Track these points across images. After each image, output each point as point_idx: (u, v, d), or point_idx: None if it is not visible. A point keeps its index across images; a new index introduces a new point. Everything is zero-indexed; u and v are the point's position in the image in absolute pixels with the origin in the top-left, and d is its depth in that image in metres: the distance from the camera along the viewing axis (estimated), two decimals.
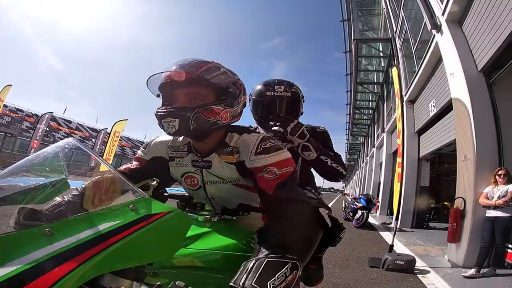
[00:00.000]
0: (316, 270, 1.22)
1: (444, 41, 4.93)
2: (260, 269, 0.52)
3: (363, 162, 23.32)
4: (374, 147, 16.07)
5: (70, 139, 0.72)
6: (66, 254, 0.45)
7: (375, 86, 14.54)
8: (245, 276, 0.51)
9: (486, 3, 3.89)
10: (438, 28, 5.12)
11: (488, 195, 3.36)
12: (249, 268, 0.53)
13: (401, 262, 3.44)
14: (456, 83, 4.41)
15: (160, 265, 0.62)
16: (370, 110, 17.01)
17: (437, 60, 5.76)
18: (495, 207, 3.23)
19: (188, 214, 0.87)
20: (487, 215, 3.31)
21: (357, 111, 17.98)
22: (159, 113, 0.79)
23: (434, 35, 5.35)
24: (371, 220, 8.72)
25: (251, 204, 0.86)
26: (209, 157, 0.87)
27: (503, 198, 3.16)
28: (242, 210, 0.84)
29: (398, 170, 4.11)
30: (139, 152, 1.01)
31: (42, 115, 19.74)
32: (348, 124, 24.46)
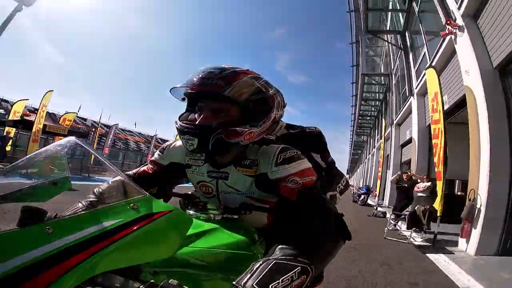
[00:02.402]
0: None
1: (414, 104, 9.22)
2: (265, 271, 0.52)
3: (365, 158, 27.69)
4: (374, 148, 20.42)
5: (71, 138, 0.73)
6: (66, 253, 0.46)
7: (375, 103, 18.63)
8: (248, 276, 0.51)
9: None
10: (414, 94, 9.30)
11: (419, 186, 7.79)
12: (255, 269, 0.53)
13: (380, 213, 7.97)
14: (413, 131, 8.73)
15: (160, 263, 0.61)
16: (372, 117, 21.20)
17: (410, 112, 10.01)
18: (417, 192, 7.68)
19: (190, 212, 0.87)
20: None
21: (360, 118, 22.18)
22: (179, 127, 0.79)
23: (411, 100, 9.58)
24: (370, 202, 13.22)
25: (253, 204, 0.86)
26: (226, 169, 0.87)
27: (421, 187, 7.61)
28: (244, 209, 0.84)
29: (379, 174, 8.59)
30: (155, 155, 1.01)
31: (111, 126, 21.35)
32: (352, 122, 28.41)
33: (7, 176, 0.64)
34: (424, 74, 6.43)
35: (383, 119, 13.84)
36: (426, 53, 7.59)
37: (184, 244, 0.66)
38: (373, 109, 19.88)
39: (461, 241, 4.33)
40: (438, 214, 4.61)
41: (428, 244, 4.58)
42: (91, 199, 0.74)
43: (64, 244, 0.47)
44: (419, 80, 8.56)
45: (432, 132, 5.38)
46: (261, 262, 0.54)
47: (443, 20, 5.32)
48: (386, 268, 3.35)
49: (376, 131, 20.39)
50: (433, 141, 5.24)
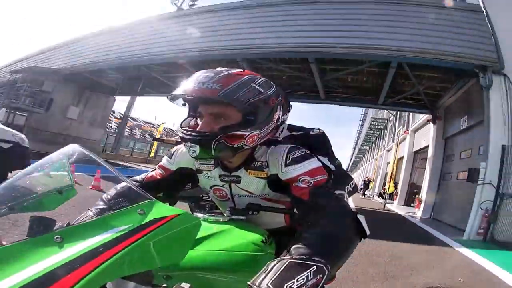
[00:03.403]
0: None
1: (394, 147, 18.70)
2: (280, 270, 0.52)
3: (366, 163, 37.28)
4: (373, 158, 29.89)
5: (75, 146, 0.72)
6: (77, 261, 0.46)
7: (377, 130, 27.86)
8: (263, 276, 0.51)
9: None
10: (394, 142, 18.69)
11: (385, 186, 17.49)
12: (269, 268, 0.53)
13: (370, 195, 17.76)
14: (391, 159, 18.27)
15: (172, 267, 0.62)
16: (374, 136, 30.47)
17: (391, 148, 19.44)
18: None
19: (198, 215, 0.86)
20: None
21: (365, 136, 31.48)
22: (180, 135, 0.79)
23: (392, 144, 18.98)
24: (366, 192, 23.05)
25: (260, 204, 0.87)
26: (238, 172, 0.87)
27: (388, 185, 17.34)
28: (251, 210, 0.86)
29: (373, 177, 18.19)
30: (163, 160, 1.00)
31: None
32: (358, 133, 37.57)
33: (13, 186, 0.64)
34: (397, 138, 16.03)
35: (380, 143, 23.13)
36: (402, 129, 17.00)
37: (194, 247, 0.66)
38: (375, 132, 29.31)
39: (395, 202, 14.05)
40: (388, 193, 14.38)
41: (384, 202, 14.30)
42: (100, 207, 0.75)
43: (75, 252, 0.47)
44: (398, 136, 17.85)
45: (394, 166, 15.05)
46: (275, 262, 0.54)
47: (405, 127, 14.96)
48: (367, 204, 13.10)
49: (376, 147, 29.77)
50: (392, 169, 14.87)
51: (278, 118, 0.87)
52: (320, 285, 0.52)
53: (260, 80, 0.81)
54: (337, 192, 0.84)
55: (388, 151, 21.47)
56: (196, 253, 0.67)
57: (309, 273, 0.52)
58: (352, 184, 1.11)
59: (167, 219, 0.58)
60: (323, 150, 1.02)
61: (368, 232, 0.67)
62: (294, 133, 1.08)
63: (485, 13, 6.41)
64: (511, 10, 6.29)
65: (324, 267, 0.53)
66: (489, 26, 6.32)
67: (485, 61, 6.20)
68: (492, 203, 5.62)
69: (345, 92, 9.83)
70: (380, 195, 14.84)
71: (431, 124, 10.05)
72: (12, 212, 0.60)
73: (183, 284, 0.53)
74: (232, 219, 0.84)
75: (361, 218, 0.68)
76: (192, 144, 0.75)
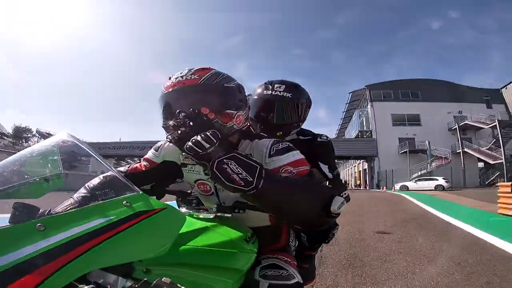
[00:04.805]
0: (308, 270, 1.22)
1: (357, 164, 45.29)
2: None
3: (342, 171, 64.11)
4: (345, 168, 56.38)
5: (65, 133, 0.71)
6: (58, 250, 0.46)
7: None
8: None
9: None
10: (358, 163, 45.13)
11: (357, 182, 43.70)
12: None
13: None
14: (356, 171, 44.56)
15: (153, 261, 0.60)
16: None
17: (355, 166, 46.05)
18: None
19: (183, 210, 0.87)
20: None
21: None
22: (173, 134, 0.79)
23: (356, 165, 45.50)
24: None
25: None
26: None
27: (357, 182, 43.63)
28: (237, 208, 0.85)
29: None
30: (149, 153, 1.01)
31: None
32: None
33: (1, 173, 0.62)
34: (357, 163, 42.91)
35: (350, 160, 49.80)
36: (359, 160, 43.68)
37: (177, 242, 0.65)
38: None
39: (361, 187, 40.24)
40: (357, 184, 40.74)
41: (356, 187, 40.34)
42: (82, 195, 0.75)
43: (57, 241, 0.46)
44: (358, 162, 44.00)
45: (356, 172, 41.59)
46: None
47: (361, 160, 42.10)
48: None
49: (347, 162, 56.35)
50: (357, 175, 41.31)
51: (247, 101, 0.92)
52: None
53: (224, 73, 0.87)
54: None
55: (355, 166, 47.90)
56: (179, 248, 0.66)
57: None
58: (345, 194, 1.18)
59: (152, 212, 0.57)
60: (325, 158, 1.13)
61: (337, 212, 0.73)
62: (301, 137, 1.19)
63: (375, 140, 32.90)
64: (383, 139, 32.94)
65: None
66: (376, 145, 32.79)
67: (371, 154, 32.83)
68: (377, 182, 31.99)
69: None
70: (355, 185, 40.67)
71: (366, 162, 36.41)
72: None
73: (164, 279, 0.52)
74: (218, 216, 0.83)
75: (336, 202, 0.73)
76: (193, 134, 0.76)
